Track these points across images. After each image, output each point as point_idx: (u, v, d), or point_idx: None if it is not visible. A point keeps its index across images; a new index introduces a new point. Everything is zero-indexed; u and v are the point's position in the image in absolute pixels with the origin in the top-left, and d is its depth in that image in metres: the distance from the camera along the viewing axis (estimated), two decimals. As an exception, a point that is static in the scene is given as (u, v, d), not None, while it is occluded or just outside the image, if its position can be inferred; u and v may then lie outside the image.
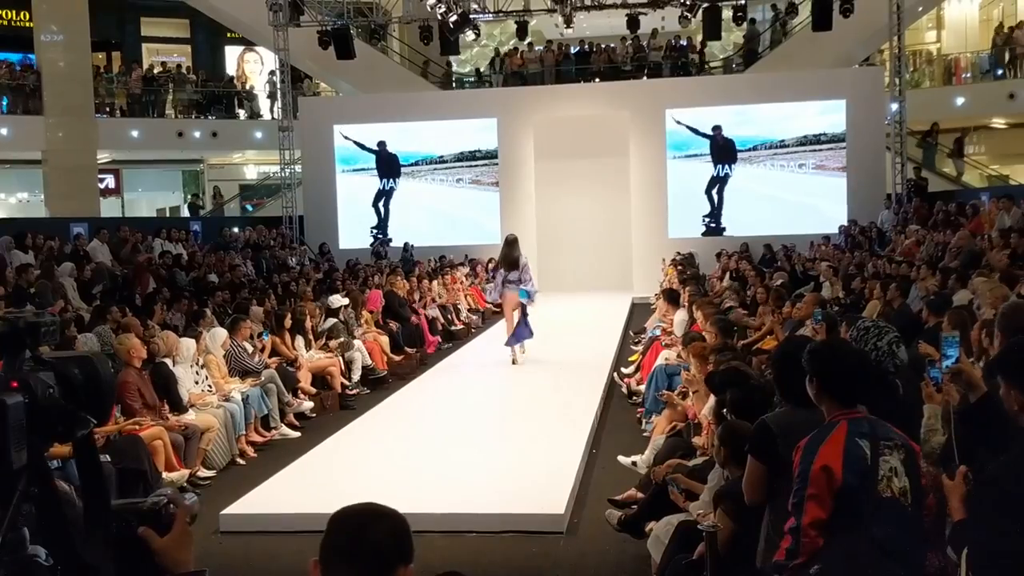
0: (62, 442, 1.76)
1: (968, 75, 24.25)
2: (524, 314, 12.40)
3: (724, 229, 21.04)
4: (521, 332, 12.39)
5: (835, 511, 3.11)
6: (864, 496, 3.12)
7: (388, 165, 22.08)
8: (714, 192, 21.05)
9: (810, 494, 3.14)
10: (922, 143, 22.73)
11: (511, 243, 12.73)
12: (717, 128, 20.88)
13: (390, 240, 21.82)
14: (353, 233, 22.21)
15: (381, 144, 22.03)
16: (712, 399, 5.76)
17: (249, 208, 26.53)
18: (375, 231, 22.25)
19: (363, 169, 22.30)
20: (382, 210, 22.23)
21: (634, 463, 7.78)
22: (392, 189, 22.15)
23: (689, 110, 21.13)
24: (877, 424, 3.30)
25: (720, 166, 21.00)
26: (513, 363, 12.40)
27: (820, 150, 20.79)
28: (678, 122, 20.88)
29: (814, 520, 3.12)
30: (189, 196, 26.64)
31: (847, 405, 3.33)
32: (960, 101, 23.37)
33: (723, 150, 20.94)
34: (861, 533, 3.09)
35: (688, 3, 19.46)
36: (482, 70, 25.56)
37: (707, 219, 21.18)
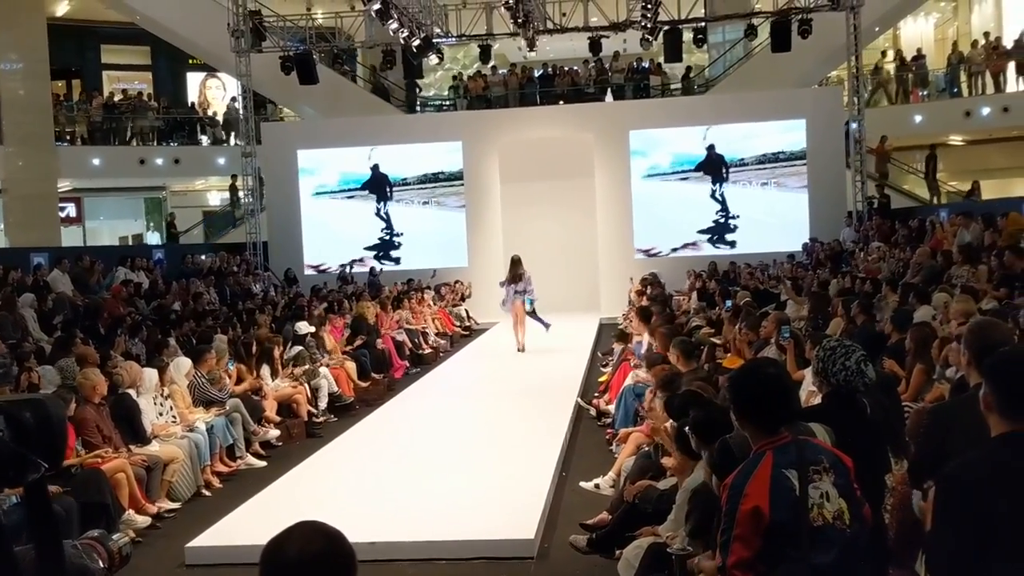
0: (12, 487, 1.71)
1: (925, 93, 24.68)
2: (534, 314, 15.31)
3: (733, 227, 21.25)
4: (541, 323, 15.39)
5: (767, 546, 3.06)
6: (797, 528, 3.07)
7: (379, 186, 22.19)
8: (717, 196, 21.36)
9: (736, 535, 3.08)
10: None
11: (516, 262, 15.38)
12: (711, 147, 21.17)
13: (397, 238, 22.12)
14: (318, 259, 22.13)
15: (374, 167, 22.06)
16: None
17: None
18: (384, 231, 22.25)
19: (337, 191, 22.27)
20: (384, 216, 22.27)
21: (596, 486, 7.77)
22: (387, 212, 22.25)
23: (652, 131, 21.32)
24: (805, 447, 3.22)
25: (716, 183, 21.26)
26: (520, 349, 15.25)
27: (782, 168, 21.03)
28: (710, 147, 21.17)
29: (739, 560, 3.07)
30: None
31: (769, 431, 3.23)
32: (918, 119, 23.76)
33: (715, 165, 21.23)
34: (801, 562, 3.05)
35: (649, 26, 19.66)
36: (450, 93, 25.66)
37: (718, 215, 21.38)
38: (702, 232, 21.35)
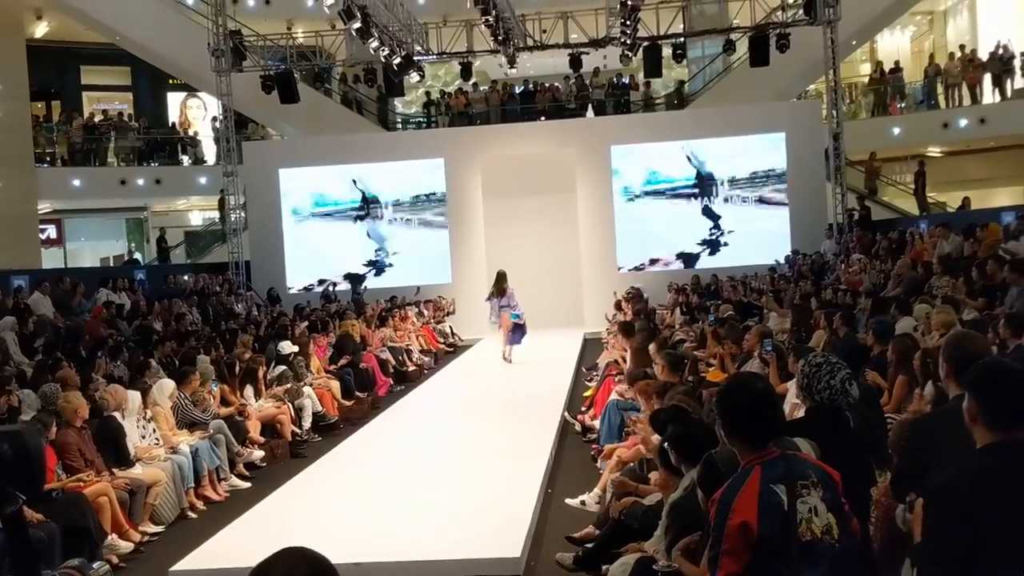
0: (-10, 518, 1.70)
1: (903, 105, 24.90)
2: (517, 328, 15.56)
3: (723, 243, 21.33)
4: (515, 336, 15.64)
5: (756, 561, 3.06)
6: (785, 543, 3.07)
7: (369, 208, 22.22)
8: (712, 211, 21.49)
9: (725, 550, 3.08)
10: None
11: (502, 277, 15.74)
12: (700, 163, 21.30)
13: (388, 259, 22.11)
14: (301, 277, 22.06)
15: (363, 191, 22.06)
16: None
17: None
18: (378, 252, 22.26)
19: (325, 214, 22.22)
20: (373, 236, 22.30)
21: (582, 502, 7.75)
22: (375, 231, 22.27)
23: (633, 146, 21.42)
24: (793, 462, 3.23)
25: (703, 198, 21.37)
26: (505, 359, 15.64)
27: (761, 182, 21.15)
28: (689, 157, 21.27)
29: (728, 575, 3.07)
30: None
31: (757, 446, 3.24)
32: (896, 131, 23.95)
33: (705, 182, 21.38)
34: None
35: (628, 42, 19.78)
36: (421, 110, 25.74)
37: (712, 232, 21.48)
38: (699, 244, 21.46)
